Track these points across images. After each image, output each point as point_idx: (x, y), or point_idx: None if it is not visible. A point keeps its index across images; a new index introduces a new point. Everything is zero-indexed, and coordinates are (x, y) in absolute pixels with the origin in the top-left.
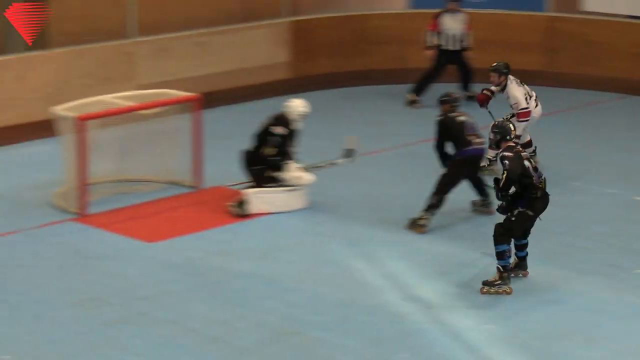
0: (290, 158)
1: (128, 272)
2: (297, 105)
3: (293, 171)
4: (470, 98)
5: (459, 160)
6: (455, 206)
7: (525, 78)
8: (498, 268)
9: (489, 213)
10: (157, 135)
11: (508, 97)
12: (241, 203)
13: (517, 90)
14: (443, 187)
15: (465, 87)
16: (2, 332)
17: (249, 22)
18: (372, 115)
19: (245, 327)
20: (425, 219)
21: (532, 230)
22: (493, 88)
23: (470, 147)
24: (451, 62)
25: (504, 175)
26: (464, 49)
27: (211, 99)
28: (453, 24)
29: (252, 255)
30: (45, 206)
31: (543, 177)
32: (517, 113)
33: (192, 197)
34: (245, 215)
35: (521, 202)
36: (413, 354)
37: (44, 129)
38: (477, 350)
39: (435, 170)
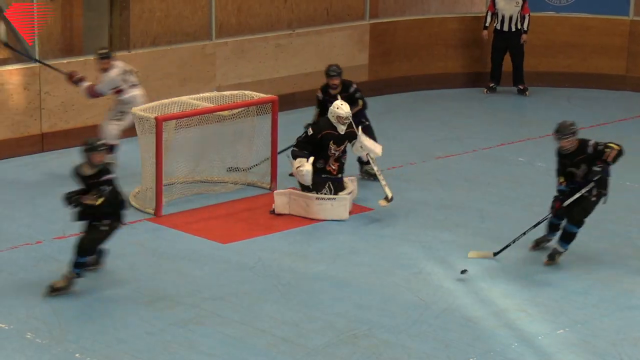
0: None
1: (201, 272)
2: (334, 108)
3: (367, 141)
4: (521, 92)
5: None
6: (531, 210)
7: (607, 82)
8: (70, 273)
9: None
10: (234, 136)
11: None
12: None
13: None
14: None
15: (516, 79)
16: (73, 331)
17: (328, 25)
18: (448, 118)
19: (315, 329)
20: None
21: (606, 236)
22: None
23: None
24: (507, 44)
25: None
26: (519, 31)
27: (289, 101)
28: (506, 6)
29: (325, 257)
30: None
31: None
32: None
33: (267, 199)
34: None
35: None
36: (483, 357)
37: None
38: (549, 356)
39: (510, 173)
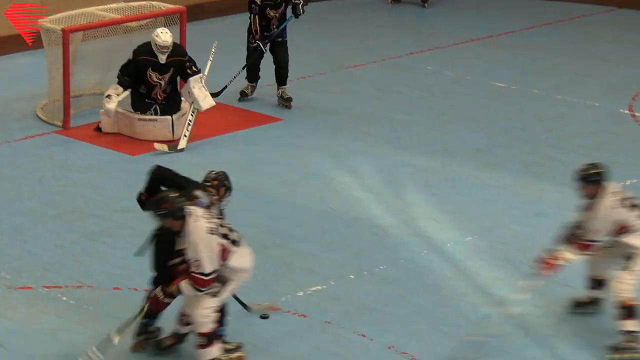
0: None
1: (111, 184)
2: (153, 36)
3: (200, 91)
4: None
5: None
6: (441, 118)
7: None
8: None
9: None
10: None
11: None
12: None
13: None
14: None
15: None
16: None
17: None
18: (357, 28)
19: None
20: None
21: (514, 143)
22: None
23: None
24: None
25: None
26: None
27: (198, 12)
28: None
29: (234, 167)
30: (29, 118)
31: None
32: None
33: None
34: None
35: None
36: (393, 265)
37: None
38: (458, 263)
39: (420, 82)
